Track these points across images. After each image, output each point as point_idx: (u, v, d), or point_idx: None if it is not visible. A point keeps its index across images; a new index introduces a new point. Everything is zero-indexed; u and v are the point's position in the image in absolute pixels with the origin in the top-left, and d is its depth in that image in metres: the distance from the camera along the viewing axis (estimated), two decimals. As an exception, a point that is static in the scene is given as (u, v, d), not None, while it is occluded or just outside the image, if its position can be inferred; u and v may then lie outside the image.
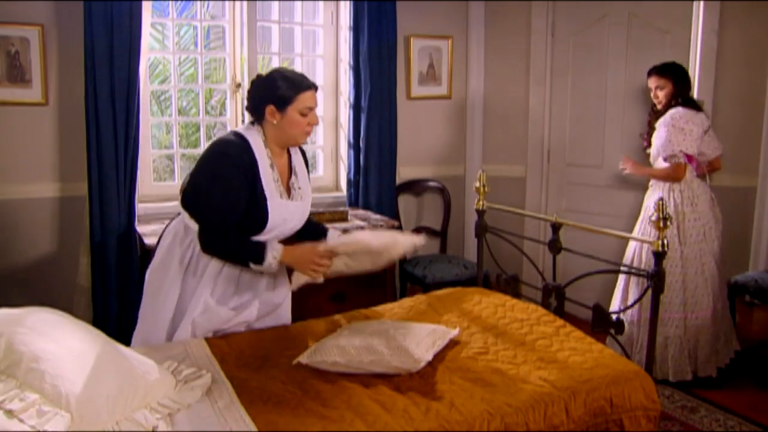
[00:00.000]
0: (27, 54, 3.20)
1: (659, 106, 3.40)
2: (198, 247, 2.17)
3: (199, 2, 3.90)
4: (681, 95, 3.33)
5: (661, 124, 3.30)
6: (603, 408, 1.86)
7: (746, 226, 3.91)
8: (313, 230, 2.41)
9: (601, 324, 2.23)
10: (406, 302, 2.63)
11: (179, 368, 1.91)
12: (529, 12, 4.21)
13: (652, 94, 3.44)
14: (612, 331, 2.29)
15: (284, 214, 2.21)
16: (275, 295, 2.38)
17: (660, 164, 3.36)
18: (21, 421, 1.45)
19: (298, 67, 4.28)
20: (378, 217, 3.76)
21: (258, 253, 2.10)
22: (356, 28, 3.85)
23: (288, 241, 2.26)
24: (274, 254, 2.10)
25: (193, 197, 2.20)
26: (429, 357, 1.96)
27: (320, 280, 2.20)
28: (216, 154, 2.12)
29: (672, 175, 3.29)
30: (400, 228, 3.98)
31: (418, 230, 4.30)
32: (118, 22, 3.15)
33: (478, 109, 4.41)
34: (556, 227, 2.52)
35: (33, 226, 3.36)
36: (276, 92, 2.13)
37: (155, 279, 2.27)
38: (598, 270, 2.33)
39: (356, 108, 3.94)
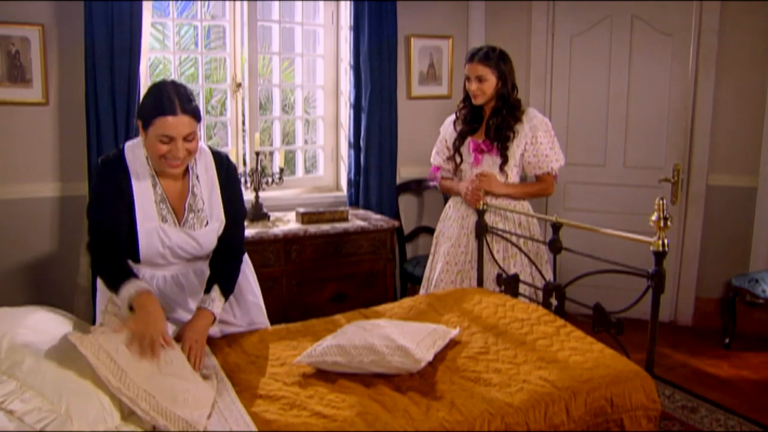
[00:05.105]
0: (27, 54, 3.20)
1: (477, 101, 2.91)
2: None
3: (199, 2, 3.91)
4: (510, 91, 2.91)
5: (538, 129, 2.91)
6: (603, 408, 1.86)
7: (746, 226, 3.91)
8: (210, 275, 2.13)
9: (602, 324, 2.23)
10: (406, 302, 2.63)
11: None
12: (529, 12, 4.21)
13: (469, 84, 2.91)
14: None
15: (163, 239, 2.02)
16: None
17: (515, 177, 2.98)
18: (22, 421, 1.45)
19: (298, 67, 4.29)
20: (378, 216, 3.76)
21: (117, 283, 1.91)
22: (357, 28, 3.85)
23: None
24: (129, 290, 1.88)
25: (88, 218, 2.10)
26: (429, 357, 1.96)
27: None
28: (95, 176, 2.07)
29: (551, 190, 3.03)
30: (400, 228, 3.98)
31: (418, 230, 4.31)
32: (119, 21, 3.15)
33: (479, 109, 4.41)
34: (556, 227, 2.52)
35: (33, 226, 3.36)
36: (142, 108, 1.95)
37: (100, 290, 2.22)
38: (599, 270, 2.33)
39: (356, 108, 3.94)
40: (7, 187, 3.29)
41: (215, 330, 2.19)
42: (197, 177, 2.09)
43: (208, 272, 2.16)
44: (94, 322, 3.20)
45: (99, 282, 2.17)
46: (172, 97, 1.88)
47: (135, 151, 2.02)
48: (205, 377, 1.85)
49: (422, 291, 3.21)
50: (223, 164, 2.15)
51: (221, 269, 2.12)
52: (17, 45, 3.18)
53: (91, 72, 3.16)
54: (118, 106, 3.22)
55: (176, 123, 1.87)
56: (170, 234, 2.03)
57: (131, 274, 1.95)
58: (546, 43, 4.21)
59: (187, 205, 2.07)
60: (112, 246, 1.99)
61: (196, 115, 1.93)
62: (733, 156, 3.93)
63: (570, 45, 4.17)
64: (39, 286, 3.39)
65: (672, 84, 3.99)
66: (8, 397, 1.49)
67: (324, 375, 1.93)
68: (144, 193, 2.00)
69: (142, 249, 2.01)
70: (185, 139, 1.91)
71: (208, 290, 2.07)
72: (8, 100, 3.21)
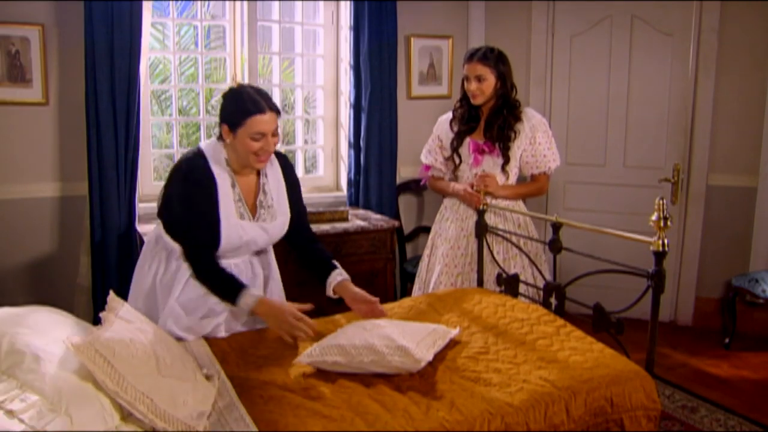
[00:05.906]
0: (27, 54, 3.20)
1: (476, 100, 2.91)
2: (169, 265, 2.22)
3: (199, 2, 3.90)
4: (509, 91, 2.92)
5: (537, 130, 2.94)
6: (603, 408, 1.86)
7: (746, 226, 3.91)
8: (318, 261, 2.40)
9: (602, 324, 2.23)
10: (406, 302, 2.63)
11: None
12: (529, 12, 4.21)
13: (468, 84, 2.90)
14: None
15: (242, 235, 2.18)
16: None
17: (515, 178, 3.01)
18: (21, 421, 1.45)
19: (298, 67, 4.29)
20: (378, 216, 3.76)
21: (232, 294, 2.11)
22: (357, 28, 3.85)
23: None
24: (247, 302, 2.09)
25: (167, 220, 2.24)
26: (429, 357, 1.96)
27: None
28: (178, 178, 2.15)
29: (546, 189, 3.11)
30: (400, 227, 3.98)
31: (418, 230, 4.31)
32: (119, 21, 3.15)
33: (479, 109, 4.41)
34: (556, 227, 2.52)
35: (33, 226, 3.36)
36: (229, 112, 2.10)
37: (138, 279, 2.31)
38: (599, 270, 2.33)
39: (356, 108, 3.94)
40: (7, 187, 3.29)
41: (222, 333, 2.23)
42: (266, 175, 2.28)
43: (256, 261, 2.33)
44: (94, 322, 3.21)
45: (134, 285, 2.30)
46: (256, 98, 2.06)
47: (214, 155, 2.16)
48: (207, 377, 1.85)
49: (416, 291, 3.20)
50: (288, 164, 2.39)
51: (322, 252, 2.42)
52: (17, 45, 3.18)
53: (91, 72, 3.16)
54: (118, 106, 3.22)
55: (268, 120, 2.06)
56: (248, 229, 2.19)
57: (237, 282, 2.13)
58: (546, 43, 4.21)
59: (258, 202, 2.24)
60: (208, 246, 2.13)
61: (279, 111, 2.13)
62: (733, 156, 3.93)
63: (570, 45, 4.17)
64: (39, 286, 3.39)
65: (672, 84, 3.99)
66: (8, 397, 1.48)
67: (324, 375, 1.93)
68: (227, 193, 2.15)
69: (223, 244, 2.15)
70: (273, 134, 2.10)
71: (330, 268, 2.34)
72: (8, 100, 3.21)
